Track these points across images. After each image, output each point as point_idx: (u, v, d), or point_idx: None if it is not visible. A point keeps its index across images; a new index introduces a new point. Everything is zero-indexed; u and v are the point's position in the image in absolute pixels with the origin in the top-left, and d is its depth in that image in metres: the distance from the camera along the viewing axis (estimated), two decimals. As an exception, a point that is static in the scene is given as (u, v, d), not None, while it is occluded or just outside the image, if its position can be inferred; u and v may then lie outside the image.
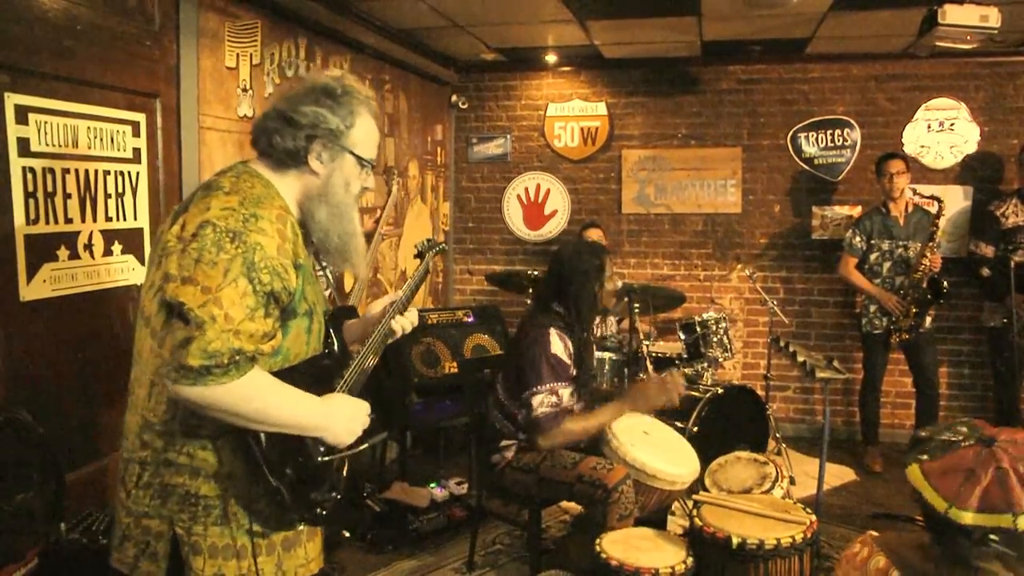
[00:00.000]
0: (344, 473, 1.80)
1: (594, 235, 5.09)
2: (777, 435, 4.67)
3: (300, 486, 1.64)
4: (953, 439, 1.52)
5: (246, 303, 1.51)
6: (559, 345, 3.00)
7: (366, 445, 1.76)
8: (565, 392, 2.99)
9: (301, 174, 1.71)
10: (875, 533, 1.72)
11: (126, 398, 1.72)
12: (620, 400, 3.08)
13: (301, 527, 1.73)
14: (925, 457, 1.52)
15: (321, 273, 1.89)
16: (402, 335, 1.97)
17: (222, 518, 1.63)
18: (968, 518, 1.43)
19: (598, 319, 4.66)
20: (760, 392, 4.47)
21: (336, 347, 1.81)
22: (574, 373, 3.06)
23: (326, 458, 1.69)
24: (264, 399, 1.56)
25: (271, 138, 1.68)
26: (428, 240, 2.19)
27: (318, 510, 1.69)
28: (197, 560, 1.62)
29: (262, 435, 1.59)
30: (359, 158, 1.74)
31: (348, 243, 1.76)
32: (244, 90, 3.48)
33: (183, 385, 1.48)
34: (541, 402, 2.94)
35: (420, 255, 2.16)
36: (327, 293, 2.12)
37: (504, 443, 3.10)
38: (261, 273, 1.53)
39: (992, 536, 1.43)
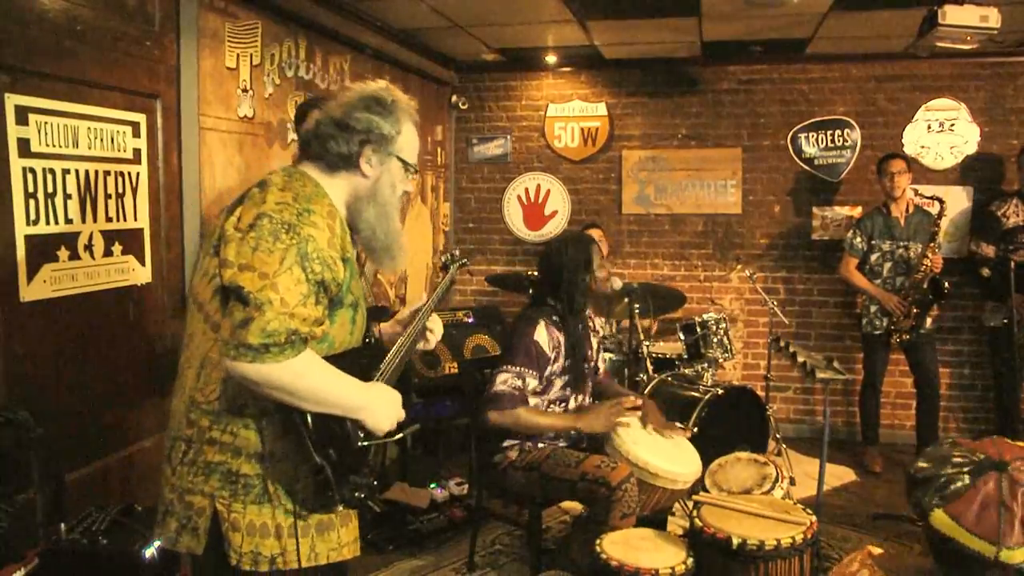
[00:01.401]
0: (380, 462, 1.89)
1: (595, 235, 5.09)
2: (777, 435, 4.67)
3: (341, 468, 1.71)
4: (964, 471, 1.42)
5: (300, 290, 1.60)
6: (544, 335, 3.05)
7: (401, 434, 1.85)
8: (532, 381, 3.03)
9: (351, 176, 1.82)
10: (874, 551, 1.69)
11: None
12: (577, 415, 3.09)
13: (340, 509, 1.79)
14: (945, 498, 1.41)
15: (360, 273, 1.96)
16: (434, 341, 2.14)
17: (261, 497, 1.71)
18: (1021, 556, 1.34)
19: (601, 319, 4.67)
20: (760, 392, 4.46)
21: (374, 341, 1.95)
22: (561, 366, 3.08)
23: (365, 443, 1.77)
24: (315, 377, 1.66)
25: (325, 143, 1.79)
26: (452, 254, 2.40)
27: (357, 493, 1.75)
28: (235, 536, 1.70)
29: (308, 415, 1.66)
30: (405, 163, 1.87)
31: (393, 241, 1.89)
32: (244, 90, 3.48)
33: (243, 362, 1.56)
34: (505, 380, 2.99)
35: (445, 267, 2.37)
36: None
37: (507, 442, 3.11)
38: (313, 263, 1.64)
39: None
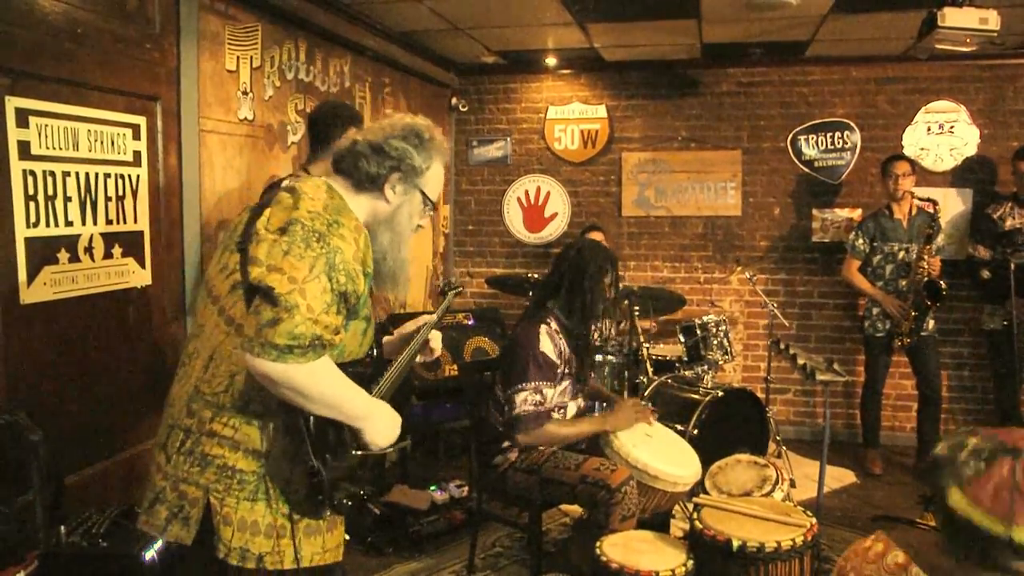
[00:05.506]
0: (378, 474, 1.96)
1: (596, 237, 5.09)
2: (777, 438, 4.67)
3: (335, 474, 1.76)
4: (980, 456, 1.50)
5: (325, 299, 1.65)
6: (548, 344, 3.03)
7: (392, 448, 1.91)
8: (550, 392, 3.02)
9: (374, 199, 1.89)
10: (882, 535, 1.71)
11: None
12: (603, 416, 3.14)
13: (328, 514, 1.82)
14: (961, 478, 1.48)
15: None
16: (432, 357, 2.25)
17: (254, 494, 1.74)
18: None
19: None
20: (760, 395, 4.47)
21: (376, 355, 2.00)
22: (565, 372, 3.08)
23: (358, 452, 1.83)
24: (329, 382, 1.71)
25: (357, 161, 1.86)
26: (449, 282, 2.55)
27: (346, 500, 1.79)
28: (226, 531, 1.72)
29: (311, 418, 1.72)
30: (426, 197, 1.95)
31: (400, 269, 1.96)
32: (244, 93, 3.48)
33: (265, 359, 1.60)
34: (525, 400, 2.98)
35: (443, 292, 2.48)
36: None
37: (507, 444, 3.11)
38: (339, 274, 1.69)
39: None
